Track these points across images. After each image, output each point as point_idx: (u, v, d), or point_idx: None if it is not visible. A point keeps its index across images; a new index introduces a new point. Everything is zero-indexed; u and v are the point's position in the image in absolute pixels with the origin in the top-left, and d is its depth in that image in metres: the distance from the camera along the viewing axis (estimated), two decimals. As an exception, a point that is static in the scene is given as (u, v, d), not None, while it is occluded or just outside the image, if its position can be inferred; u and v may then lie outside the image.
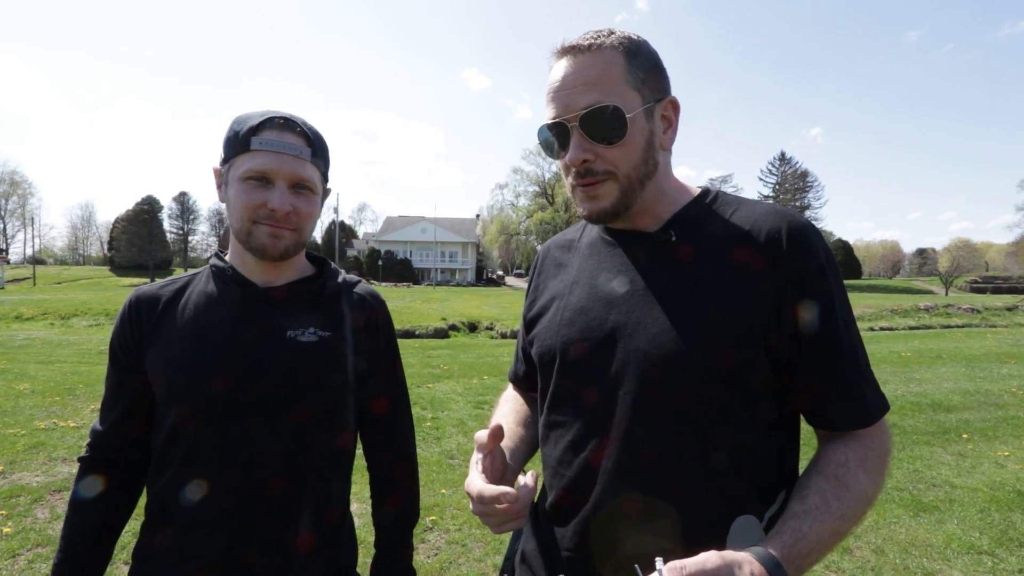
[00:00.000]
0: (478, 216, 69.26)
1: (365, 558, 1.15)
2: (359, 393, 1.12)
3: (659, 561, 0.62)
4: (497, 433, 0.82)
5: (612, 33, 0.83)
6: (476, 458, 0.85)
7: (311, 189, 1.03)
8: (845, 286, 0.82)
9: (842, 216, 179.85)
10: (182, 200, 72.72)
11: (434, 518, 3.46)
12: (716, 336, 0.77)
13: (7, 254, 62.78)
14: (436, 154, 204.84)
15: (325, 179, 1.09)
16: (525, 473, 0.85)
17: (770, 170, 67.27)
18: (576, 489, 0.85)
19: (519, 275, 65.65)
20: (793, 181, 65.36)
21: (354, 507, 1.18)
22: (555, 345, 0.90)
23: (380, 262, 56.60)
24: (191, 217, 73.45)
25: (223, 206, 1.07)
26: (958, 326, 20.76)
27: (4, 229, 70.34)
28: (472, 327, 16.97)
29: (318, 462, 1.04)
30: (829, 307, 0.77)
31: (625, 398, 0.80)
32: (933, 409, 6.49)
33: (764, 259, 0.78)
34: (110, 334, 1.08)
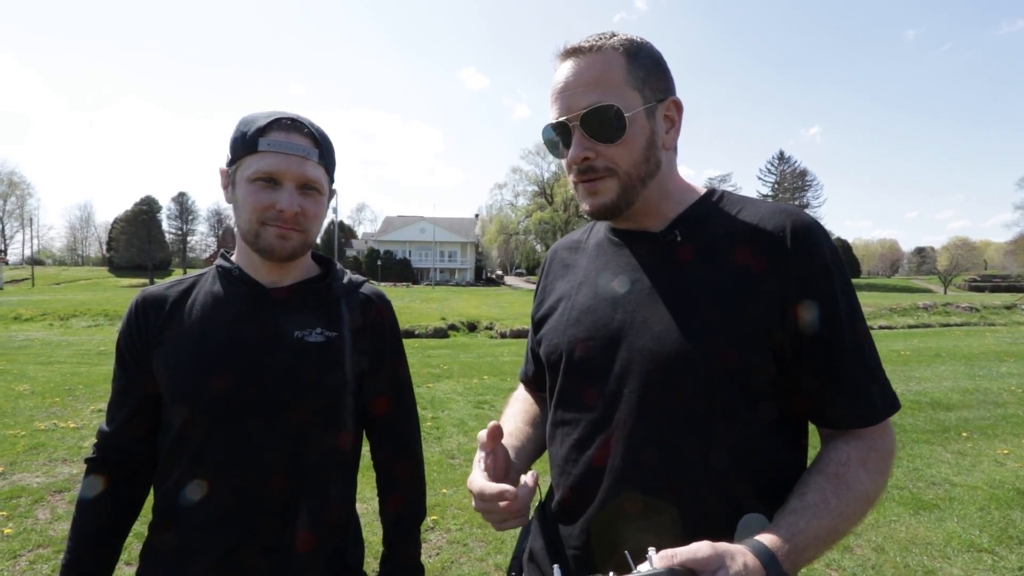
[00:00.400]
0: (477, 216, 69.21)
1: (370, 558, 1.15)
2: (361, 393, 1.12)
3: (651, 550, 0.62)
4: (495, 432, 0.84)
5: (614, 35, 0.85)
6: (479, 456, 0.86)
7: (318, 190, 1.03)
8: (853, 285, 0.82)
9: (841, 215, 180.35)
10: (181, 201, 72.56)
11: (435, 518, 3.46)
12: (720, 335, 0.77)
13: (6, 255, 62.76)
14: (435, 154, 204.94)
15: (331, 179, 1.10)
16: (528, 473, 0.86)
17: (769, 169, 67.39)
18: (582, 488, 0.85)
19: (519, 274, 65.68)
20: (792, 180, 65.44)
21: (359, 507, 1.18)
22: (562, 344, 0.91)
23: (379, 262, 56.58)
24: (190, 218, 73.29)
25: (222, 206, 1.08)
26: (957, 325, 20.80)
27: (3, 230, 70.28)
28: (471, 327, 16.98)
29: (317, 462, 1.04)
30: (833, 305, 0.77)
31: (630, 397, 0.81)
32: (933, 407, 6.51)
33: (768, 258, 0.78)
34: (111, 334, 1.10)
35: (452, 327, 16.39)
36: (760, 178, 67.49)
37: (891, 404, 0.80)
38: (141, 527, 1.10)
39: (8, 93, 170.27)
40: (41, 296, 24.60)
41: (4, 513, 3.38)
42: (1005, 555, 3.08)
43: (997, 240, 79.97)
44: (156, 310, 1.05)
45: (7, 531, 3.15)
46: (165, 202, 71.59)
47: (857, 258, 70.88)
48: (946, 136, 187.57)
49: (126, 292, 28.79)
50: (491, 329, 16.67)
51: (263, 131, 0.98)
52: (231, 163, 1.02)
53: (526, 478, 0.82)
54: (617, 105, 0.81)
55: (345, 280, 1.15)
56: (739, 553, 0.64)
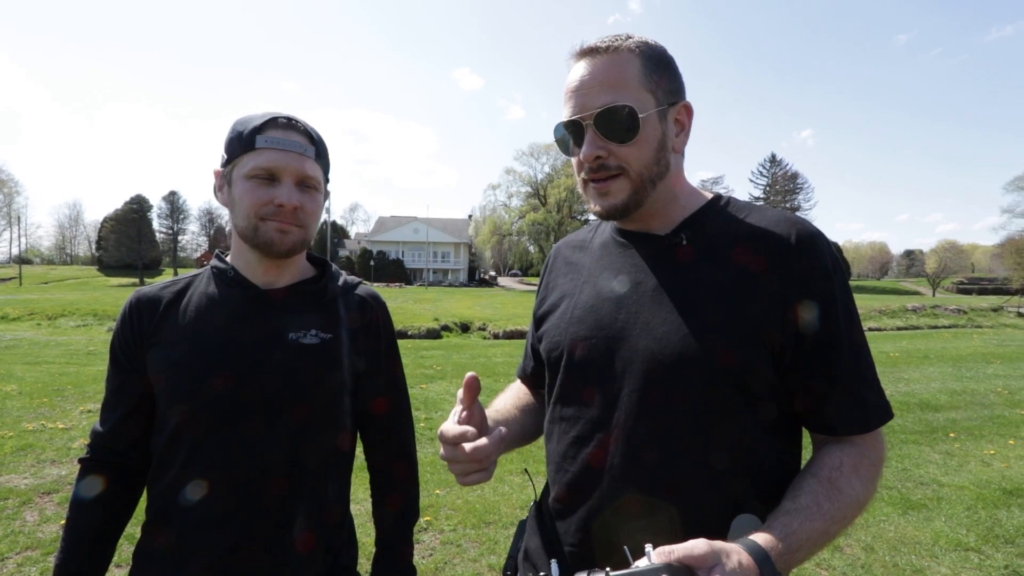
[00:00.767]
0: (470, 216, 69.11)
1: (362, 558, 1.15)
2: (358, 394, 1.13)
3: (648, 547, 0.63)
4: (472, 384, 0.81)
5: (630, 37, 0.86)
6: (455, 410, 0.85)
7: (315, 187, 1.04)
8: (852, 294, 0.83)
9: (832, 218, 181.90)
10: (172, 200, 71.97)
11: (428, 519, 3.46)
12: (721, 337, 0.78)
13: (-8, 253, 61.85)
14: (428, 154, 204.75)
15: (327, 179, 1.10)
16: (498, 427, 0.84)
17: (761, 172, 67.78)
18: (579, 485, 0.86)
19: (514, 275, 65.63)
20: (783, 183, 65.86)
21: (352, 508, 1.18)
22: (563, 342, 0.92)
23: (372, 262, 56.35)
24: (181, 217, 72.72)
25: (214, 206, 1.08)
26: (945, 327, 21.03)
27: (-11, 228, 69.31)
28: (464, 327, 16.98)
29: (316, 463, 1.05)
30: (832, 311, 0.79)
31: (630, 396, 0.82)
32: (921, 409, 6.58)
33: (771, 262, 0.80)
34: (100, 334, 1.10)
35: (445, 328, 16.37)
36: (752, 180, 67.96)
37: (884, 413, 0.81)
38: (130, 529, 1.10)
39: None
40: (29, 295, 24.30)
41: (-9, 515, 3.33)
42: (991, 554, 3.12)
43: (984, 243, 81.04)
44: (150, 311, 1.04)
45: (-6, 533, 3.11)
46: (156, 201, 71.10)
47: (847, 260, 71.51)
48: (936, 140, 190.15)
49: (115, 292, 28.51)
50: (484, 330, 16.67)
51: (260, 129, 0.98)
52: (227, 163, 1.02)
53: (499, 429, 0.81)
54: (631, 105, 0.82)
55: (340, 281, 1.15)
56: (734, 551, 0.65)
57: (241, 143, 0.99)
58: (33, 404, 5.99)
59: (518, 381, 1.18)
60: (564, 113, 0.87)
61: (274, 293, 1.06)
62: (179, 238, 73.07)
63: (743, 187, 68.84)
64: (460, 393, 0.84)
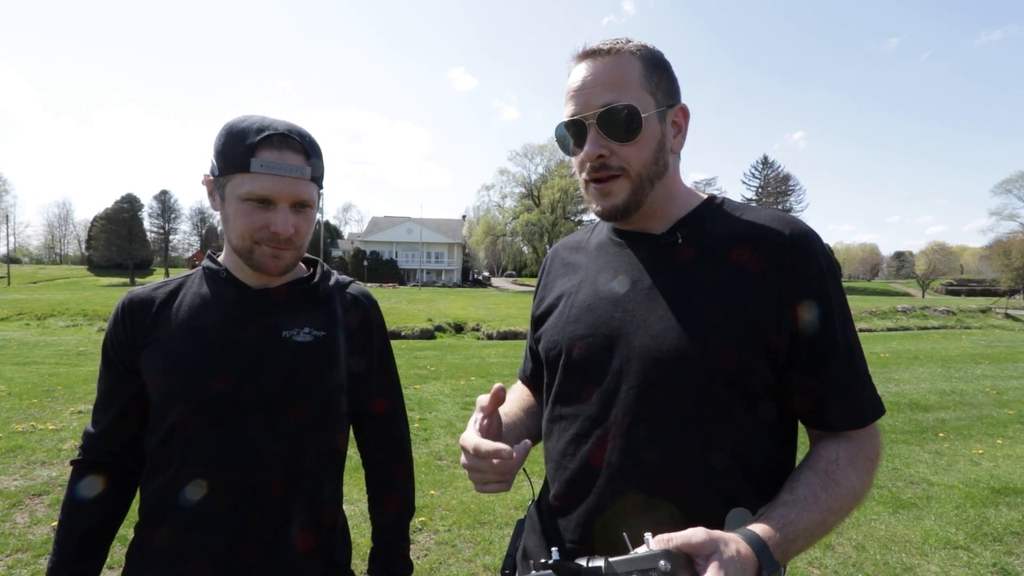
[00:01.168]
0: (464, 217, 69.09)
1: (357, 559, 1.16)
2: (355, 393, 1.13)
3: (647, 535, 0.64)
4: (499, 394, 0.84)
5: (629, 40, 0.88)
6: (475, 417, 0.87)
7: (310, 206, 1.03)
8: (845, 293, 0.85)
9: (824, 219, 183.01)
10: (163, 199, 71.39)
11: (423, 519, 3.46)
12: (718, 335, 0.79)
13: (-20, 253, 61.14)
14: (422, 154, 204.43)
15: (321, 185, 1.09)
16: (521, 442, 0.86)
17: (753, 173, 68.22)
18: (578, 482, 0.87)
19: (509, 276, 65.60)
20: (775, 184, 66.34)
21: (346, 509, 1.19)
22: (561, 341, 0.93)
23: (365, 263, 56.17)
24: (172, 216, 72.13)
25: (205, 205, 1.07)
26: (934, 328, 21.25)
27: (-23, 227, 68.50)
28: (458, 328, 16.95)
29: (314, 462, 1.05)
30: (827, 309, 0.80)
31: (628, 394, 0.83)
32: (911, 409, 6.65)
33: (766, 261, 0.81)
34: (90, 335, 1.09)
35: (439, 328, 16.34)
36: (744, 182, 68.40)
37: (877, 408, 0.83)
38: (121, 531, 1.09)
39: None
40: (17, 295, 24.03)
41: (-20, 517, 3.30)
42: (980, 552, 3.16)
43: (973, 245, 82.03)
44: (143, 312, 1.04)
45: (-16, 535, 3.08)
46: (147, 200, 70.51)
47: (839, 262, 71.95)
48: (926, 142, 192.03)
49: (106, 292, 28.26)
50: (478, 331, 16.66)
51: (254, 150, 0.95)
52: (219, 174, 1.00)
53: (524, 442, 0.82)
54: (634, 105, 0.83)
55: (332, 280, 1.15)
56: (732, 540, 0.65)
57: (235, 161, 0.96)
58: (23, 405, 5.93)
59: (519, 383, 1.19)
60: (566, 112, 0.88)
61: (268, 293, 1.06)
62: (170, 238, 72.55)
63: (735, 189, 69.24)
64: (482, 400, 0.86)
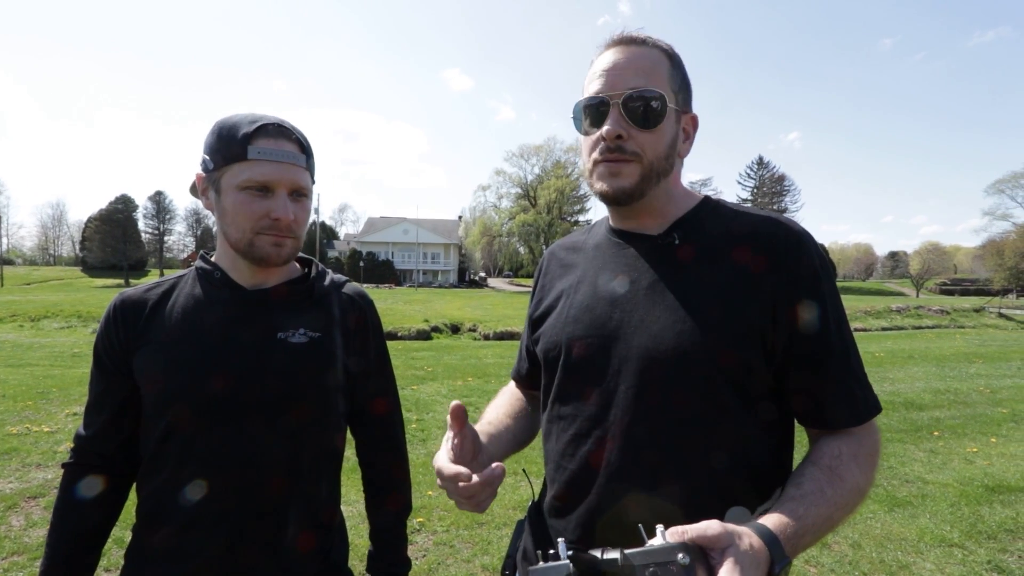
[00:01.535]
0: (460, 218, 69.01)
1: (354, 559, 1.16)
2: (352, 393, 1.13)
3: (660, 527, 0.63)
4: (457, 413, 0.81)
5: (658, 40, 0.90)
6: (447, 435, 0.86)
7: (306, 195, 1.04)
8: (839, 292, 0.86)
9: (818, 219, 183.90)
10: (158, 199, 71.01)
11: (421, 520, 3.45)
12: (716, 335, 0.80)
13: (-28, 254, 60.69)
14: (418, 155, 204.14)
15: (313, 181, 1.09)
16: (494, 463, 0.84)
17: (748, 174, 68.48)
18: (578, 483, 0.87)
19: (506, 277, 65.56)
20: (771, 185, 66.60)
21: (344, 509, 1.19)
22: (560, 341, 0.93)
23: (362, 263, 56.05)
24: (167, 217, 71.73)
25: (200, 206, 1.06)
26: (928, 327, 21.36)
27: (-31, 228, 67.96)
28: (455, 329, 16.93)
29: (312, 462, 1.05)
30: (822, 309, 0.81)
31: (627, 394, 0.83)
32: (906, 408, 6.69)
33: (762, 261, 0.82)
34: (85, 336, 1.09)
35: (435, 329, 16.32)
36: (740, 183, 68.68)
37: (874, 406, 0.84)
38: (116, 532, 1.08)
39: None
40: (11, 296, 23.86)
41: (-25, 520, 3.28)
42: (974, 549, 3.18)
43: (967, 245, 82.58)
44: (135, 313, 1.03)
45: (-21, 538, 3.06)
46: (142, 201, 70.11)
47: (833, 262, 72.50)
48: (920, 142, 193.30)
49: (100, 293, 28.10)
50: (474, 331, 16.65)
51: (251, 138, 0.96)
52: (214, 169, 1.00)
53: (492, 467, 0.79)
54: (662, 93, 0.85)
55: (328, 280, 1.15)
56: (745, 534, 0.65)
57: (231, 151, 0.97)
58: (17, 407, 5.89)
59: (512, 384, 1.19)
60: (590, 90, 0.89)
61: (263, 293, 1.05)
62: (165, 239, 72.10)
63: (731, 189, 69.60)
64: (448, 420, 0.84)
